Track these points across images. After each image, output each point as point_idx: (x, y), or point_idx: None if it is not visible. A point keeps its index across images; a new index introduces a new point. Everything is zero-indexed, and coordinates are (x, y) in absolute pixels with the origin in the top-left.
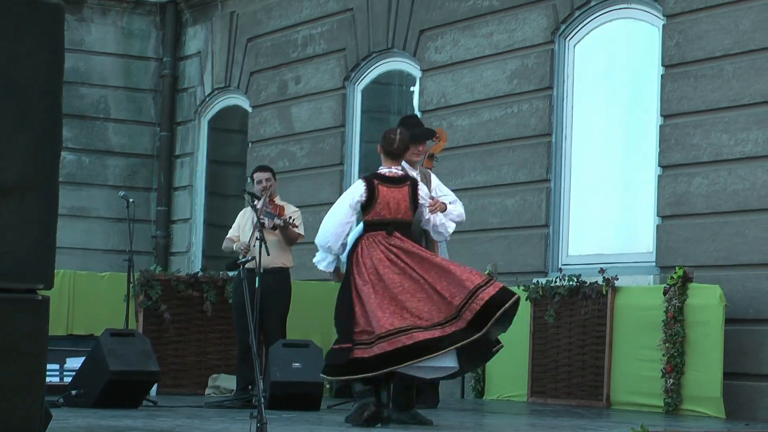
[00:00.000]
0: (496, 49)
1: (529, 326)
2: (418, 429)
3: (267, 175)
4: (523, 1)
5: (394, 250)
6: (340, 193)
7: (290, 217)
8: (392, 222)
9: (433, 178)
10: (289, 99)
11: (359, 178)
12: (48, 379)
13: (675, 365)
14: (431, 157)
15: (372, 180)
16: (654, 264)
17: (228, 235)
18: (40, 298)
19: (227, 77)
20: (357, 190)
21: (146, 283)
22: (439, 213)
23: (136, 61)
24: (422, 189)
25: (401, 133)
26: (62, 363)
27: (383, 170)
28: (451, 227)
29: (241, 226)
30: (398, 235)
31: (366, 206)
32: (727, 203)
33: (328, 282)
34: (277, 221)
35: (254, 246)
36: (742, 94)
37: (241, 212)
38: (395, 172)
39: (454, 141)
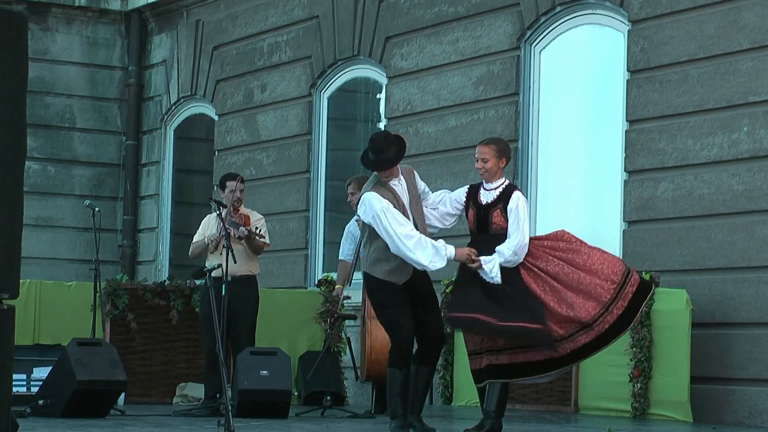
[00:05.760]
0: (462, 55)
1: None
2: None
3: (242, 186)
4: (489, 7)
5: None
6: (307, 201)
7: (256, 228)
8: None
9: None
10: (255, 107)
11: (515, 189)
12: (14, 389)
13: (642, 370)
14: None
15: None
16: None
17: (193, 241)
18: (5, 307)
19: (193, 86)
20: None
21: (113, 293)
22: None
23: (102, 70)
24: None
25: None
26: (29, 373)
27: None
28: None
29: (206, 233)
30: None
31: None
32: (693, 208)
33: (295, 290)
34: (242, 231)
35: (221, 254)
36: (707, 98)
37: (205, 219)
38: None
39: (420, 147)
